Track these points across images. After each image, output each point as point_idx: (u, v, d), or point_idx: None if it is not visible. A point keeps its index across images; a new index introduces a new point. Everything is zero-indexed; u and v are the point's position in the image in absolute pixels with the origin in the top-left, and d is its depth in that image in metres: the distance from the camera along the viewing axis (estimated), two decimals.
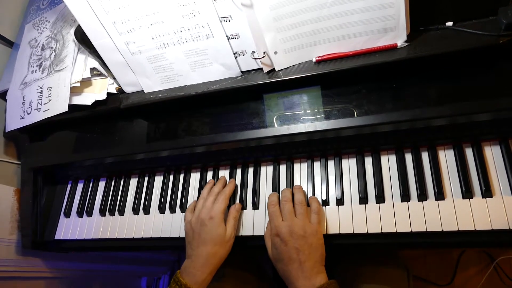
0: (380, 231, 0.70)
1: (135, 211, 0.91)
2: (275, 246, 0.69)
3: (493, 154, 0.70)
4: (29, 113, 0.89)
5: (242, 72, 0.78)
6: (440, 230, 0.66)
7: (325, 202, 0.76)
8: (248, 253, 1.02)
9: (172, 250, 1.69)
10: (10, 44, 1.04)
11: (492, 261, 1.39)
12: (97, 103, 0.85)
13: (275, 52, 0.72)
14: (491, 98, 0.63)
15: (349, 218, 0.73)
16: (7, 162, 1.00)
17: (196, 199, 0.87)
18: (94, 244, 0.94)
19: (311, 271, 0.65)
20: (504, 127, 0.68)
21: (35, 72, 0.91)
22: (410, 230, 0.68)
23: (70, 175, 1.02)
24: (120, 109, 0.85)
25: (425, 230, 0.67)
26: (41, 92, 0.87)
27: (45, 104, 0.86)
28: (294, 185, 0.79)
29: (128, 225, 0.90)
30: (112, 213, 0.93)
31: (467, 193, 0.67)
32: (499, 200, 0.66)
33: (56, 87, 0.85)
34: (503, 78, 0.64)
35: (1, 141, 1.01)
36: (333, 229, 0.73)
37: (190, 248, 0.75)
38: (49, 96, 0.86)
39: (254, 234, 0.78)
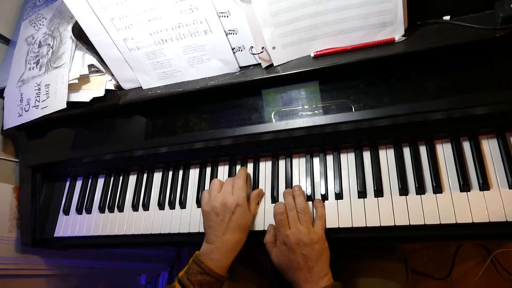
0: (379, 225, 0.70)
1: (135, 207, 0.91)
2: (283, 254, 0.71)
3: (490, 147, 0.70)
4: (27, 111, 0.88)
5: (240, 67, 0.78)
6: (438, 223, 0.67)
7: (324, 197, 0.76)
8: (247, 248, 1.02)
9: (171, 246, 1.69)
10: (6, 41, 1.03)
11: (489, 254, 1.40)
12: (95, 100, 0.85)
13: (273, 47, 0.72)
14: (488, 92, 0.64)
15: (348, 212, 0.73)
16: (5, 160, 1.00)
17: (196, 195, 0.87)
18: (94, 241, 0.94)
19: (318, 275, 0.68)
20: (501, 120, 0.69)
21: (33, 69, 0.90)
22: (408, 223, 0.69)
23: (68, 172, 1.02)
24: (118, 106, 0.85)
25: (423, 223, 0.68)
26: (39, 89, 0.87)
27: (43, 101, 0.86)
28: (294, 185, 0.78)
29: (128, 222, 0.90)
30: (111, 210, 0.93)
31: (465, 186, 0.68)
32: (496, 193, 0.66)
33: (54, 84, 0.85)
34: (500, 72, 0.65)
35: None
36: (332, 223, 0.73)
37: (213, 234, 0.74)
38: (47, 93, 0.85)
39: (254, 229, 0.79)
